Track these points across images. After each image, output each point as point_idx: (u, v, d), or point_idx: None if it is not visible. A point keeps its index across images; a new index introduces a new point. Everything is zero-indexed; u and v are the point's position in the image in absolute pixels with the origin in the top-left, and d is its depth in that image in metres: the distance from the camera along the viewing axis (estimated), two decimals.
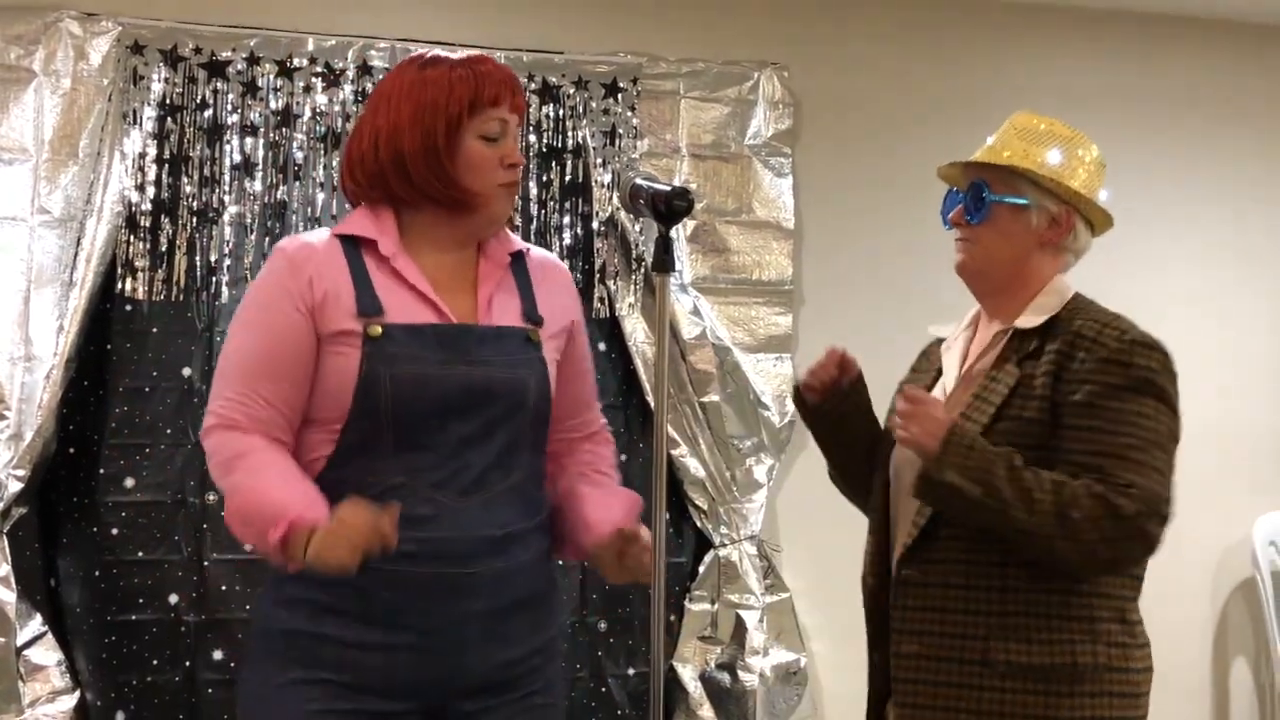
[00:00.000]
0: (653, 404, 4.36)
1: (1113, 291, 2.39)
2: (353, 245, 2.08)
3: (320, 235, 2.13)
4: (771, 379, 4.52)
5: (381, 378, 2.00)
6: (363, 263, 2.06)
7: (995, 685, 2.06)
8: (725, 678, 4.37)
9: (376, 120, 2.07)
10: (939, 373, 2.37)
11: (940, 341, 2.45)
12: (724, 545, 4.43)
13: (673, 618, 4.42)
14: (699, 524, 4.46)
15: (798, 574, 4.54)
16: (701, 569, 4.45)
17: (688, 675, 4.39)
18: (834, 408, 2.42)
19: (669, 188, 2.08)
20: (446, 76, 2.05)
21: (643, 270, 4.35)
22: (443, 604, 2.02)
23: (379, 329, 2.01)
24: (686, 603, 4.43)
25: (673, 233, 2.14)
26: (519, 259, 2.20)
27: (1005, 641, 2.07)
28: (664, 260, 2.09)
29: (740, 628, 4.38)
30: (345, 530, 1.88)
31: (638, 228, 4.34)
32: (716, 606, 4.43)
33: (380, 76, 4.18)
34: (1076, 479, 2.01)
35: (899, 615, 2.19)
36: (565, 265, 2.47)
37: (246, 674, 2.15)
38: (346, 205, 2.25)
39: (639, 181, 2.14)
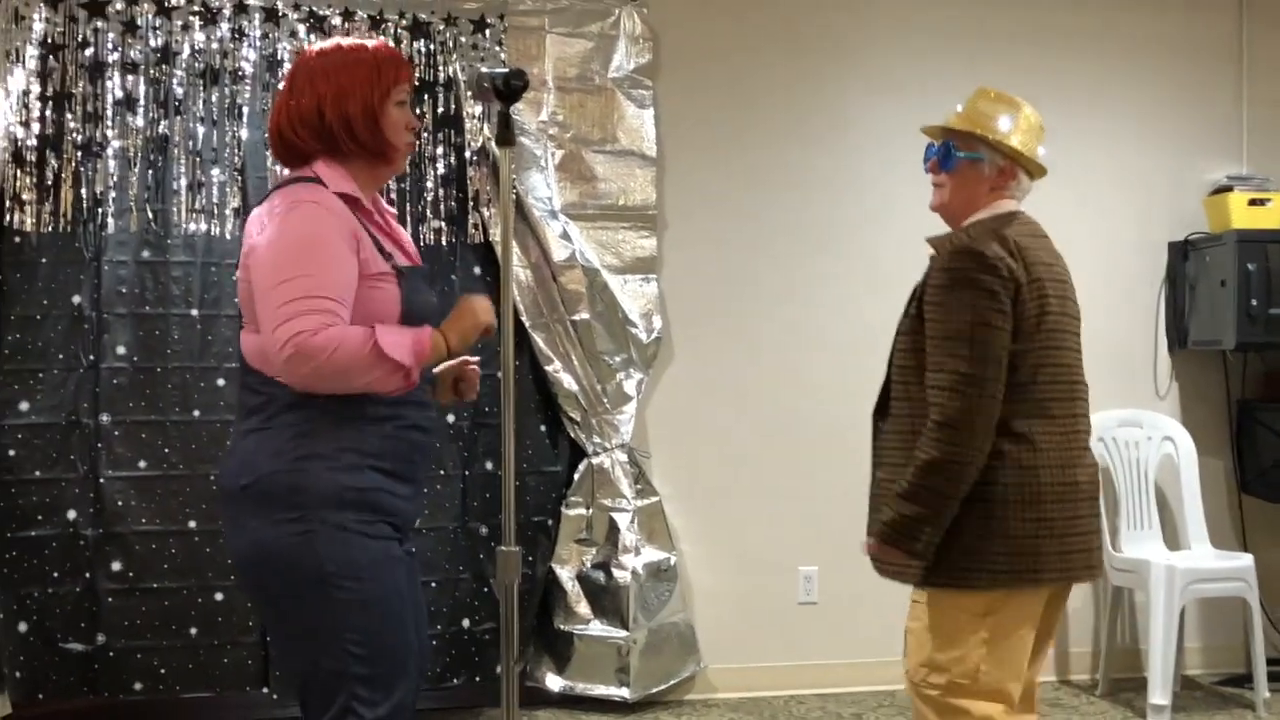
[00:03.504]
0: (527, 323, 4.66)
1: None
2: (343, 200, 2.53)
3: (326, 193, 2.49)
4: (638, 298, 4.82)
5: (414, 305, 2.52)
6: (358, 215, 2.53)
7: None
8: (600, 576, 4.69)
9: (318, 88, 2.53)
10: None
11: None
12: (597, 454, 4.74)
13: (550, 522, 4.73)
14: (573, 435, 4.75)
15: (666, 479, 4.87)
16: (576, 476, 4.75)
17: (565, 575, 4.70)
18: None
19: (507, 70, 2.54)
20: (372, 55, 2.57)
21: (514, 197, 4.60)
22: (429, 462, 2.74)
23: (401, 268, 2.53)
24: (563, 508, 4.74)
25: (513, 111, 2.57)
26: None
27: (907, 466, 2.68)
28: (505, 135, 2.55)
29: (613, 530, 4.70)
30: (473, 305, 2.55)
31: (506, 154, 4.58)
32: (591, 511, 4.74)
33: (256, 15, 4.41)
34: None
35: (875, 453, 2.87)
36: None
37: (318, 526, 2.40)
38: (273, 165, 2.83)
39: (483, 69, 2.63)
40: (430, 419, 2.58)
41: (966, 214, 2.87)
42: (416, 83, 4.33)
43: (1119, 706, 4.77)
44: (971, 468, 2.62)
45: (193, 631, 4.29)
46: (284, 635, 2.54)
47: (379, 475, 2.45)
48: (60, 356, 4.27)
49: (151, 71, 4.36)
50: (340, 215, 2.46)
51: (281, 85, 2.70)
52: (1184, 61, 5.33)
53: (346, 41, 2.64)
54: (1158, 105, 5.32)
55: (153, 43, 4.36)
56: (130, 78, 4.34)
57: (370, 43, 2.64)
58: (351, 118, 2.52)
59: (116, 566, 4.25)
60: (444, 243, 4.60)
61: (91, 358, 4.28)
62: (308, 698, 2.46)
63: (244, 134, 4.43)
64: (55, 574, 4.22)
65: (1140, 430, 5.08)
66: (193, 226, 4.38)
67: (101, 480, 4.25)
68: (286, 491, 2.39)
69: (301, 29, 4.46)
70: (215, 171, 4.39)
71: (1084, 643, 5.18)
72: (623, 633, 4.63)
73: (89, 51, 4.30)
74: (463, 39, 4.61)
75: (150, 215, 4.35)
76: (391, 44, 2.72)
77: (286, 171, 2.62)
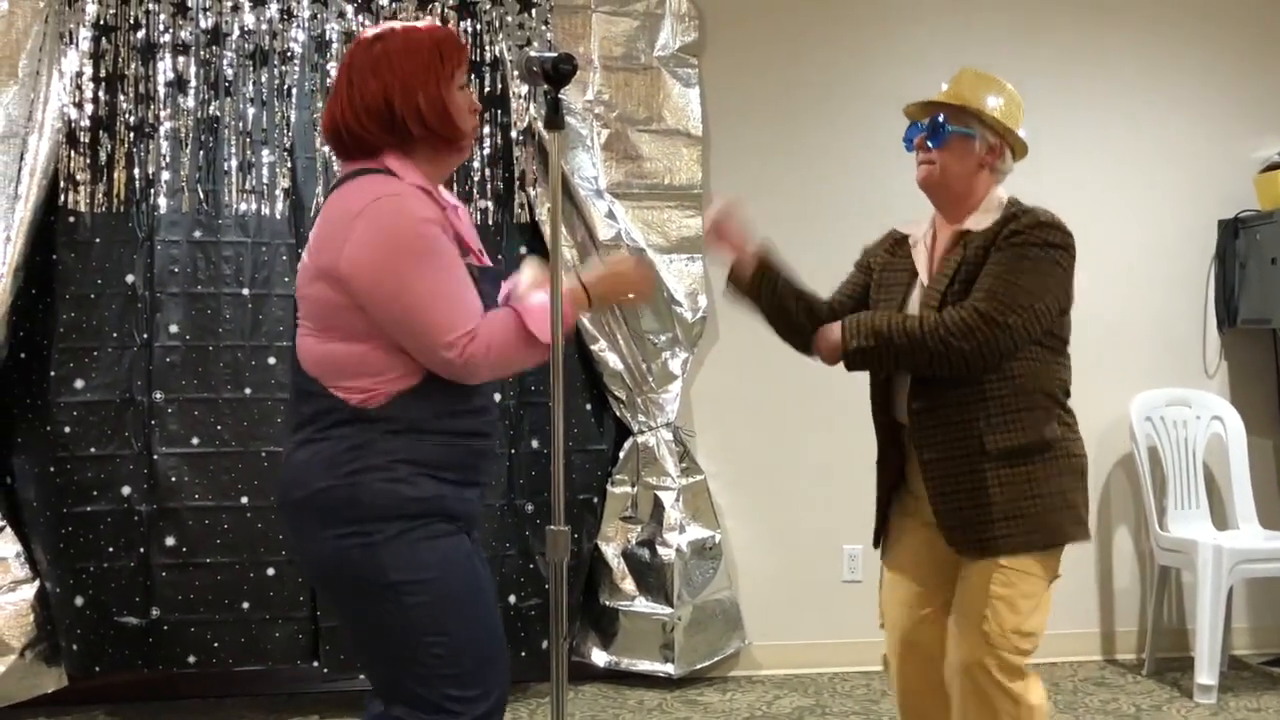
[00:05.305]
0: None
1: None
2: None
3: (414, 190, 2.39)
4: (684, 278, 4.83)
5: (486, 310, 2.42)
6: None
7: (993, 467, 2.78)
8: (645, 554, 4.72)
9: (383, 77, 2.40)
10: (914, 274, 3.00)
11: (905, 238, 3.08)
12: (642, 432, 4.76)
13: (596, 500, 4.76)
14: (618, 413, 4.78)
15: (711, 458, 4.89)
16: (622, 455, 4.79)
17: (610, 552, 4.74)
18: (756, 290, 3.08)
19: (555, 54, 2.47)
20: (431, 39, 2.44)
21: (560, 177, 4.61)
22: (492, 465, 2.78)
23: (474, 270, 2.43)
24: (609, 486, 4.77)
25: (562, 95, 2.53)
26: None
27: (993, 434, 2.78)
28: (554, 119, 2.49)
29: (658, 507, 4.73)
30: (628, 275, 2.57)
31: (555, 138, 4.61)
32: (636, 489, 4.77)
33: None
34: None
35: (917, 434, 2.85)
36: None
37: (378, 537, 2.35)
38: (322, 145, 2.96)
39: (532, 54, 2.56)
40: (490, 424, 2.53)
41: (963, 191, 2.92)
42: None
43: (1165, 686, 4.76)
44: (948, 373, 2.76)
45: (245, 605, 4.35)
46: (366, 644, 2.46)
47: (437, 483, 2.39)
48: (114, 335, 4.33)
49: (202, 53, 4.40)
50: (439, 221, 2.38)
51: (334, 73, 2.64)
52: (1234, 37, 5.27)
53: (399, 25, 2.52)
54: (1207, 81, 5.27)
55: (203, 24, 4.40)
56: (181, 59, 4.39)
57: (422, 24, 2.57)
58: (422, 106, 2.39)
59: (170, 541, 4.32)
60: (490, 222, 4.62)
61: (145, 336, 4.34)
62: (399, 703, 2.40)
63: (293, 115, 4.46)
64: (110, 549, 4.30)
65: (1189, 409, 5.05)
66: (243, 206, 4.43)
67: (155, 457, 4.32)
68: (343, 505, 2.35)
69: (349, 9, 4.49)
70: (265, 152, 4.44)
71: (1130, 622, 5.17)
72: (667, 609, 4.67)
73: (141, 33, 4.35)
74: (509, 19, 4.62)
75: (201, 195, 4.40)
76: (437, 24, 2.66)
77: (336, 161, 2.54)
